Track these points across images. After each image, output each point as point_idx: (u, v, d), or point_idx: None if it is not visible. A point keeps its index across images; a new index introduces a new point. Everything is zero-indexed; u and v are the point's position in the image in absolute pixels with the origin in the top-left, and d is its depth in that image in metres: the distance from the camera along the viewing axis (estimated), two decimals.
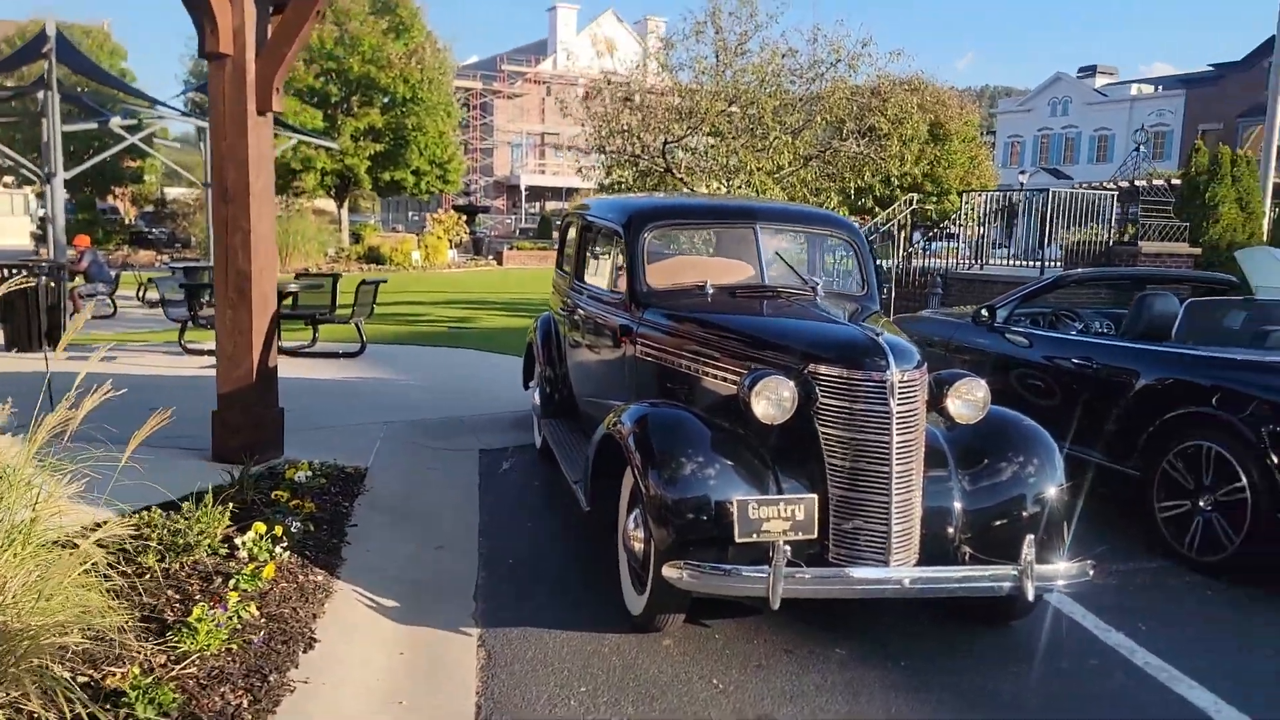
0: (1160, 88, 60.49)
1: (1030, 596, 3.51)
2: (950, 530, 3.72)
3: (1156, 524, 5.23)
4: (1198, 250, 13.83)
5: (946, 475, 3.79)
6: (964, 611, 4.10)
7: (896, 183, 13.75)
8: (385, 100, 25.11)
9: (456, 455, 6.41)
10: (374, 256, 26.62)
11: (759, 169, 10.60)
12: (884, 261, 14.47)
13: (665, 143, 11.17)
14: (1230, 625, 4.34)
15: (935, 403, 3.84)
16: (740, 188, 10.74)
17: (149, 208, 40.55)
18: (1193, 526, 5.02)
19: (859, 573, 3.49)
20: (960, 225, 14.19)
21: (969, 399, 3.85)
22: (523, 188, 59.68)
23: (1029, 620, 4.21)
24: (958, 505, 3.75)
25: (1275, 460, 4.63)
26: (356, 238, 28.55)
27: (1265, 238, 14.87)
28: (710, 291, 4.71)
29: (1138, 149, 13.06)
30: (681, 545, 3.49)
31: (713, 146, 10.68)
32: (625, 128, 11.72)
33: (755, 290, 4.77)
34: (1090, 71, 66.14)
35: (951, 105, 34.33)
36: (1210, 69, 55.09)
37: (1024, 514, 3.77)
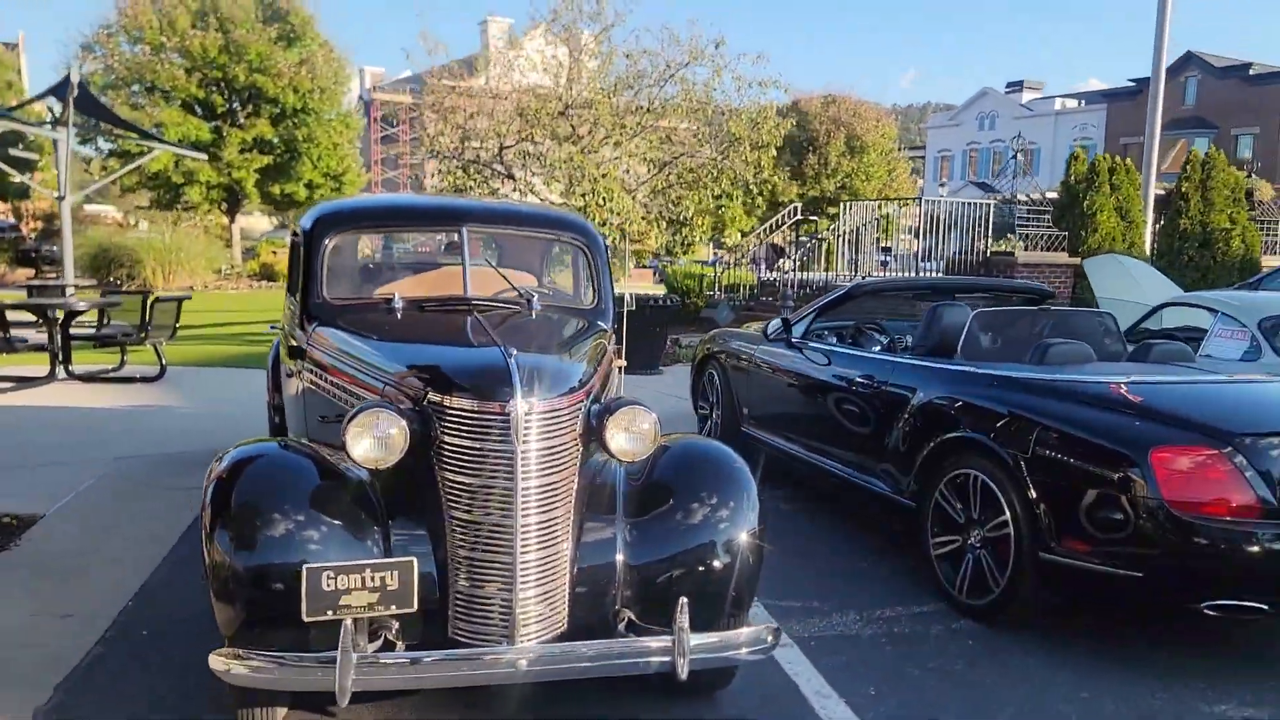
0: (1084, 102, 61.55)
1: (682, 675, 2.87)
2: (611, 593, 3.07)
3: (931, 562, 4.66)
4: (1076, 259, 13.51)
5: (611, 525, 3.15)
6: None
7: (787, 193, 13.31)
8: (276, 111, 24.15)
9: (184, 495, 5.65)
10: (268, 273, 25.62)
11: (604, 175, 10.01)
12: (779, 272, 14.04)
13: (501, 146, 10.55)
14: (980, 690, 3.75)
15: (597, 436, 3.20)
16: (583, 195, 10.15)
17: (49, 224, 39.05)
18: (963, 565, 4.46)
19: (455, 656, 2.82)
20: (837, 236, 13.75)
21: (633, 431, 3.20)
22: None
23: (738, 685, 3.58)
24: (620, 560, 3.11)
25: (1034, 493, 4.08)
26: (253, 253, 27.48)
27: (1147, 247, 14.63)
28: (399, 306, 4.04)
29: (1015, 157, 12.76)
30: (246, 627, 2.80)
31: (549, 152, 10.07)
32: (460, 127, 11.02)
33: (451, 304, 4.11)
34: (1018, 86, 67.03)
35: (868, 118, 34.24)
36: (1130, 83, 56.08)
37: (698, 569, 3.13)
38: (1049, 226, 13.80)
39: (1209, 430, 3.81)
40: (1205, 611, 3.68)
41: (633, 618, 3.02)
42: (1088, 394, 4.20)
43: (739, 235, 12.34)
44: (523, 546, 2.88)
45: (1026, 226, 14.15)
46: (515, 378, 2.87)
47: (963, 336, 5.05)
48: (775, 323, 5.93)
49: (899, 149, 37.39)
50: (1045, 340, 4.79)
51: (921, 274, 12.99)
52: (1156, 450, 3.75)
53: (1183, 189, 15.05)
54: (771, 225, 14.44)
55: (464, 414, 2.91)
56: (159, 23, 23.10)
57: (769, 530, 5.51)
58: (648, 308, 10.00)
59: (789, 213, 14.74)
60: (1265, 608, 3.66)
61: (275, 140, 24.75)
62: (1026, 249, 14.13)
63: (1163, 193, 16.50)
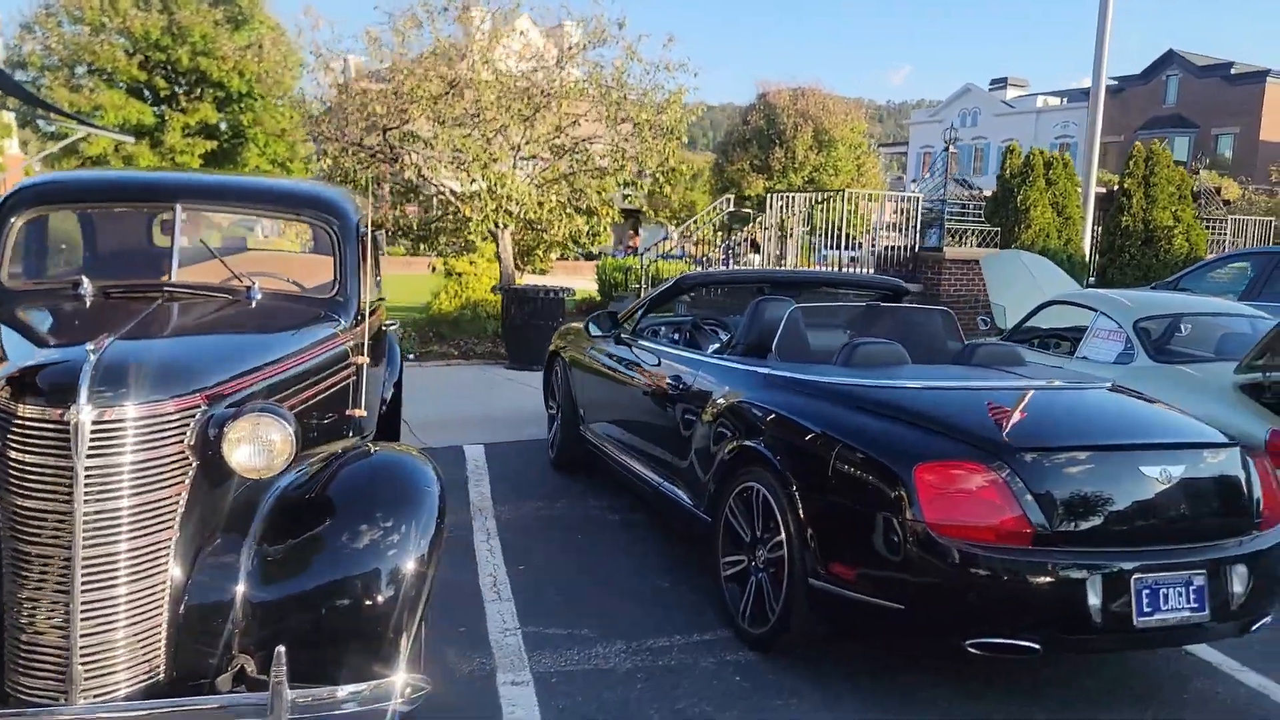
0: (1065, 100, 61.30)
1: None
2: (224, 635, 2.61)
3: (720, 583, 4.22)
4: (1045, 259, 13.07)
5: (235, 552, 2.68)
6: None
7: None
8: (221, 95, 23.56)
9: None
10: None
11: (494, 160, 9.52)
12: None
13: (385, 130, 10.05)
14: None
15: (215, 447, 2.73)
16: (473, 183, 9.67)
17: None
18: (747, 589, 4.01)
19: None
20: (764, 228, 13.29)
21: (257, 443, 2.73)
22: (434, 193, 58.17)
23: None
24: (240, 594, 2.64)
25: (804, 511, 3.63)
26: None
27: (1086, 244, 14.21)
28: (86, 293, 3.56)
29: (947, 148, 12.33)
30: None
31: (436, 136, 9.57)
32: (338, 106, 10.48)
33: (146, 291, 3.63)
34: (1002, 84, 66.69)
35: (836, 112, 33.77)
36: (1112, 82, 55.71)
37: (338, 605, 2.66)
38: (979, 221, 13.36)
39: (983, 443, 3.36)
40: (969, 650, 3.24)
41: (247, 665, 2.56)
42: (869, 400, 3.75)
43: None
44: (97, 581, 2.42)
45: (961, 222, 13.72)
46: (82, 380, 2.40)
47: (777, 335, 4.60)
48: (602, 317, 5.46)
49: (870, 143, 36.90)
50: (854, 340, 4.33)
51: (843, 269, 12.52)
52: (921, 466, 3.31)
53: (1125, 185, 14.65)
54: (701, 218, 14.00)
55: (25, 424, 2.44)
56: (100, 2, 22.49)
57: (584, 542, 5.13)
58: (536, 300, 9.54)
59: (722, 203, 14.29)
60: (1036, 647, 3.21)
61: (221, 125, 24.18)
62: (963, 245, 13.71)
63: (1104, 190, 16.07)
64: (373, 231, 5.55)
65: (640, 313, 5.59)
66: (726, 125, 42.69)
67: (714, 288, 5.84)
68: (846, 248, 13.75)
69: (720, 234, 14.38)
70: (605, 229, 10.93)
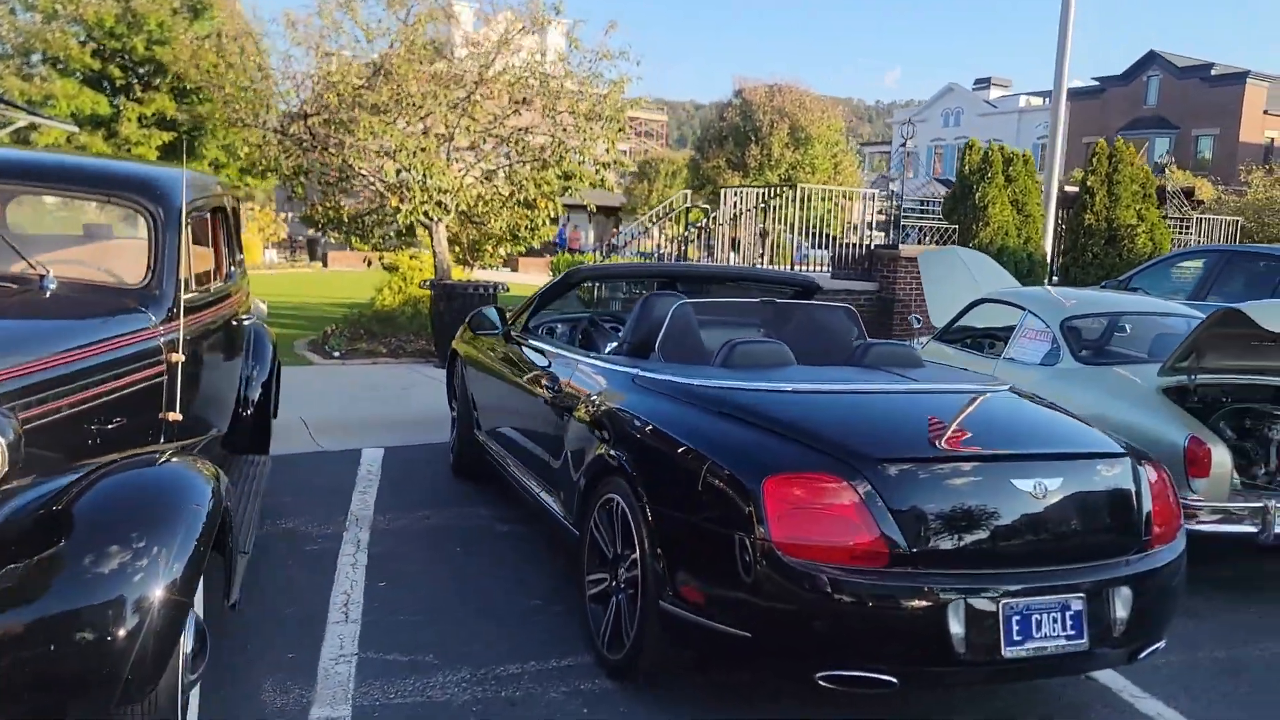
0: (1047, 100, 61.24)
1: None
2: None
3: (585, 603, 3.88)
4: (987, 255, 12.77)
5: None
6: None
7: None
8: (180, 85, 23.05)
9: None
10: None
11: (422, 149, 9.14)
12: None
13: (305, 116, 9.67)
14: None
15: None
16: (399, 173, 9.29)
17: None
18: (608, 610, 3.68)
19: None
20: (719, 224, 12.96)
21: None
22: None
23: None
24: None
25: (655, 526, 3.30)
26: None
27: (1047, 243, 13.94)
28: None
29: (903, 144, 12.02)
30: None
31: (355, 123, 9.18)
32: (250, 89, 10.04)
33: None
34: (985, 84, 66.70)
35: (813, 109, 33.49)
36: (1094, 82, 55.74)
37: (61, 642, 2.30)
38: (937, 219, 13.07)
39: (842, 454, 3.03)
40: (819, 683, 2.92)
41: None
42: (732, 405, 3.41)
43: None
44: None
45: (923, 219, 13.43)
46: None
47: (661, 332, 4.27)
48: (486, 313, 5.10)
49: (850, 141, 36.63)
50: (734, 340, 4.00)
51: (795, 266, 12.20)
52: (771, 478, 2.97)
53: (1088, 183, 14.39)
54: (656, 214, 13.66)
55: None
56: None
57: (462, 556, 4.78)
58: (466, 295, 9.18)
59: (679, 199, 13.97)
60: (892, 681, 2.89)
61: (178, 117, 23.66)
62: (924, 243, 13.41)
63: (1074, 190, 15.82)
64: (234, 211, 5.21)
65: (532, 308, 5.24)
66: (703, 122, 42.37)
67: (623, 281, 5.49)
68: (825, 246, 13.47)
69: (688, 230, 14.04)
70: (544, 223, 10.56)
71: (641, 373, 3.85)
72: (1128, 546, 3.20)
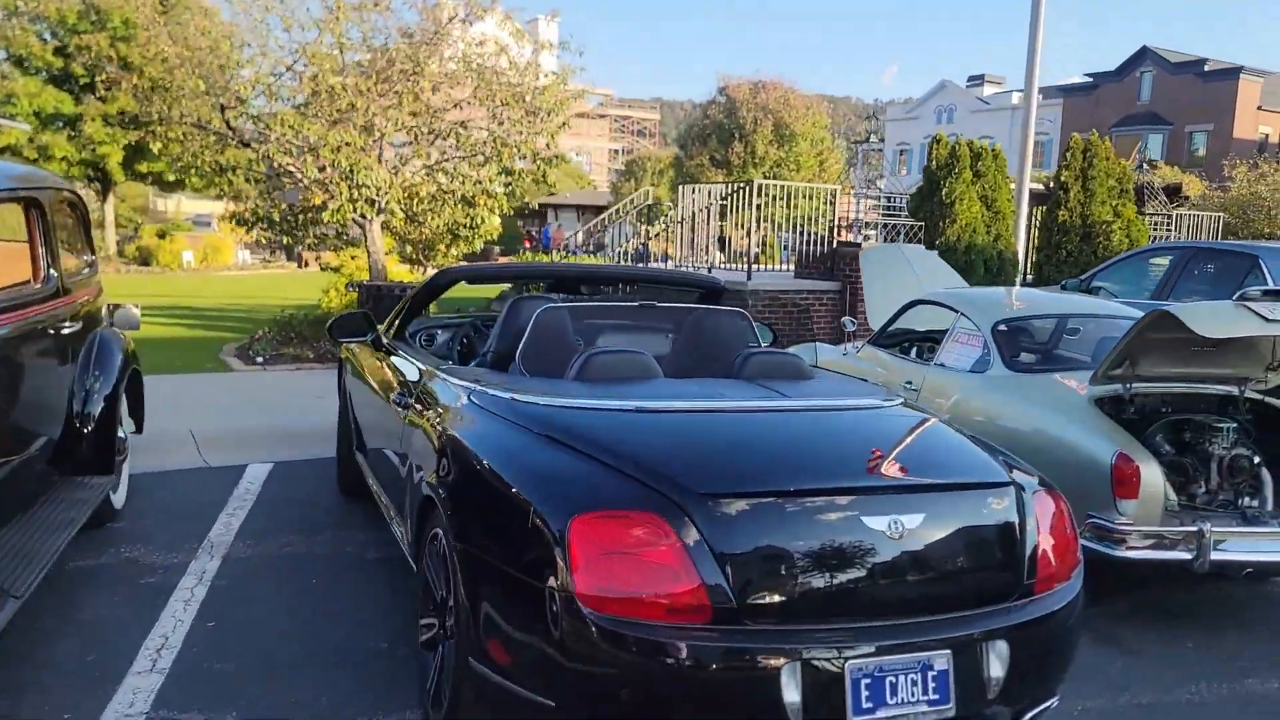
0: (1041, 96, 60.83)
1: None
2: None
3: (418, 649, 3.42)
4: (934, 253, 12.31)
5: None
6: None
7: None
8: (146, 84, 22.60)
9: None
10: (145, 257, 24.22)
11: (345, 144, 8.67)
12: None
13: (223, 108, 9.22)
14: None
15: None
16: (322, 170, 8.83)
17: None
18: (435, 660, 3.23)
19: None
20: (678, 222, 12.50)
21: None
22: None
23: None
24: None
25: (469, 573, 2.85)
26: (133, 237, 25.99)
27: (1020, 240, 13.48)
28: None
29: (867, 139, 11.60)
30: None
31: (275, 116, 8.73)
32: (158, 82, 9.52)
33: None
34: (979, 80, 66.26)
35: (797, 106, 33.04)
36: (1087, 78, 55.31)
37: None
38: (902, 216, 12.62)
39: (667, 486, 2.58)
40: None
41: None
42: (563, 428, 2.95)
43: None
44: None
45: (889, 217, 12.98)
46: None
47: (522, 341, 3.83)
48: (350, 318, 4.64)
49: (836, 139, 36.15)
50: (591, 350, 3.54)
51: (748, 265, 11.74)
52: (579, 518, 2.52)
53: (1063, 179, 13.92)
54: (617, 211, 13.19)
55: None
56: None
57: (318, 589, 4.32)
58: (393, 297, 8.72)
59: (641, 195, 13.51)
60: None
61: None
62: (887, 239, 12.97)
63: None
64: (72, 208, 4.77)
65: (403, 313, 4.78)
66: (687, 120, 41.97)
67: (507, 282, 5.01)
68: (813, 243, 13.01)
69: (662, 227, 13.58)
70: (484, 220, 10.09)
71: (477, 388, 3.40)
72: (1007, 592, 2.75)
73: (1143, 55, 52.77)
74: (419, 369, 4.02)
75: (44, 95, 21.75)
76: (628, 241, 14.43)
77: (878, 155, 64.46)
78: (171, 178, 23.10)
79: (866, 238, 12.51)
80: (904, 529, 2.59)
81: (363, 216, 9.39)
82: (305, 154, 8.82)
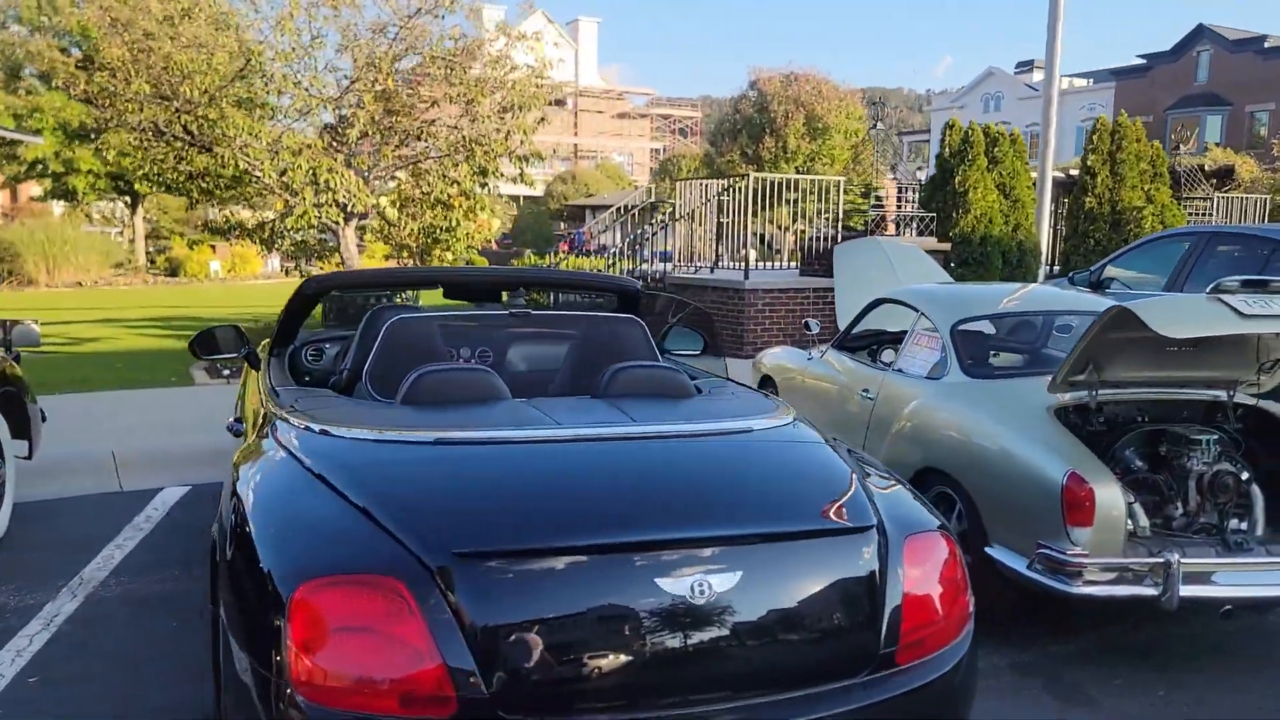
0: (1092, 81, 59.42)
1: None
2: None
3: None
4: (947, 245, 11.65)
5: None
6: None
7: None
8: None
9: None
10: (174, 268, 24.40)
11: (307, 146, 8.32)
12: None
13: (179, 111, 8.92)
14: None
15: None
16: (283, 174, 8.49)
17: None
18: None
19: None
20: (676, 219, 11.98)
21: None
22: None
23: None
24: None
25: (214, 640, 2.41)
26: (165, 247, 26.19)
27: (1043, 230, 12.73)
28: None
29: (874, 126, 10.98)
30: None
31: (225, 119, 8.41)
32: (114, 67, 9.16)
33: None
34: (1028, 66, 64.61)
35: (830, 98, 32.24)
36: (1140, 60, 53.52)
37: None
38: (910, 207, 11.96)
39: (414, 543, 2.10)
40: None
41: None
42: (339, 465, 2.48)
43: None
44: None
45: (900, 209, 12.32)
46: None
47: (369, 358, 3.38)
48: (216, 333, 4.22)
49: (873, 129, 35.27)
50: (425, 368, 3.07)
51: (745, 264, 11.16)
52: (305, 585, 2.06)
53: (1089, 163, 13.14)
54: (620, 209, 12.70)
55: None
56: (38, 2, 21.78)
57: (175, 633, 3.92)
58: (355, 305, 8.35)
59: (643, 194, 13.02)
60: None
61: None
62: (900, 234, 12.31)
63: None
64: None
65: (278, 328, 4.36)
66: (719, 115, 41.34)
67: (383, 289, 4.55)
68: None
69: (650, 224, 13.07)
70: (459, 224, 9.67)
71: (279, 415, 2.95)
72: (858, 664, 2.22)
73: (1199, 33, 50.94)
74: (259, 392, 3.60)
75: (69, 108, 21.91)
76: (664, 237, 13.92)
77: (893, 144, 62.92)
78: (142, 189, 23.02)
79: (877, 229, 11.86)
80: (712, 591, 2.08)
81: (335, 223, 9.05)
82: (263, 157, 8.48)
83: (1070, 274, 8.80)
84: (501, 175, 9.53)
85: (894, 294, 5.43)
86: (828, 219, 11.59)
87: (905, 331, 5.74)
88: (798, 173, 30.84)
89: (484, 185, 9.51)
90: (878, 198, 14.43)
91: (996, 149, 12.07)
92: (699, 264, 12.16)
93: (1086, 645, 3.97)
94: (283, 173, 8.53)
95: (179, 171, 9.44)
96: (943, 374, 4.66)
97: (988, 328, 5.09)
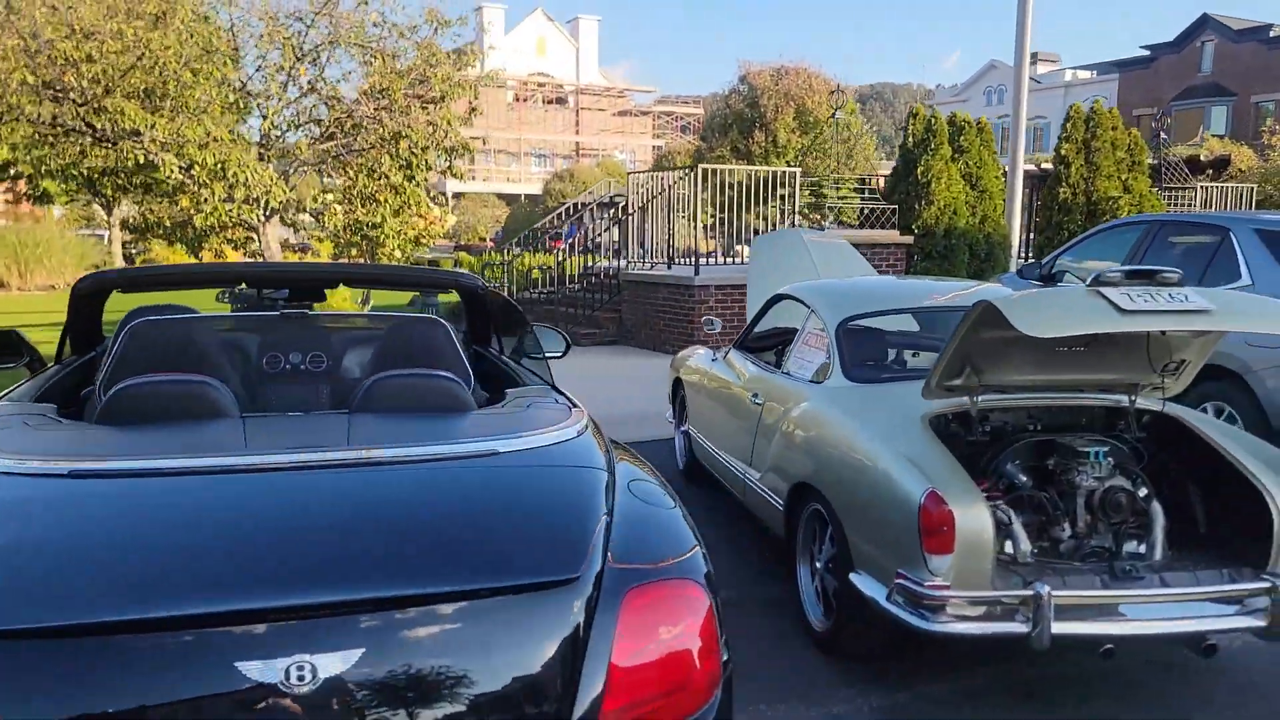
0: (1096, 73, 58.88)
1: None
2: None
3: None
4: (909, 238, 11.16)
5: None
6: None
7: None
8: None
9: None
10: None
11: (213, 140, 7.91)
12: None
13: (77, 104, 8.51)
14: None
15: None
16: (188, 168, 8.07)
17: None
18: None
19: None
20: (629, 214, 11.50)
21: None
22: (450, 194, 57.57)
23: None
24: None
25: None
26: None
27: (1014, 222, 12.23)
28: None
29: (835, 113, 10.54)
30: None
31: (120, 110, 8.01)
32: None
33: None
34: (1032, 59, 63.99)
35: (820, 91, 31.65)
36: (1144, 51, 52.84)
37: None
38: (867, 198, 11.48)
39: None
40: None
41: None
42: None
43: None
44: None
45: (861, 201, 11.85)
46: None
47: (106, 369, 2.94)
48: None
49: (863, 124, 34.71)
50: (129, 382, 2.61)
51: (695, 260, 10.69)
52: None
53: (1062, 152, 12.63)
54: (573, 206, 12.24)
55: None
56: None
57: None
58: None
59: (601, 185, 12.58)
60: None
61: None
62: (862, 227, 11.83)
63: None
64: None
65: (65, 334, 3.91)
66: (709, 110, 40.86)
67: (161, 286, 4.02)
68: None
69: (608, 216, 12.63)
70: (384, 218, 9.23)
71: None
72: None
73: (1203, 24, 50.30)
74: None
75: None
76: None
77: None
78: (49, 187, 22.51)
79: (833, 224, 11.39)
80: (315, 677, 1.62)
81: (256, 220, 8.63)
82: (164, 152, 8.07)
83: (1019, 267, 8.32)
84: (430, 169, 9.10)
85: (791, 289, 4.96)
86: (787, 211, 11.12)
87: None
88: (788, 166, 30.25)
89: (411, 179, 9.07)
90: (872, 191, 13.99)
91: (963, 138, 11.57)
92: (655, 260, 11.71)
93: (967, 685, 3.51)
94: (189, 167, 8.12)
95: (88, 168, 9.05)
96: (826, 377, 4.20)
97: (897, 325, 4.61)
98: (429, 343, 3.15)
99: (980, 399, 3.58)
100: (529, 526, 2.04)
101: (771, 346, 5.47)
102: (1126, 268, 3.13)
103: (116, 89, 8.05)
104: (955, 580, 3.11)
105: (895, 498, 3.24)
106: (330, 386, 3.14)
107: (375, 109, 8.71)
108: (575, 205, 12.88)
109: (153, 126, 7.90)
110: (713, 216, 10.93)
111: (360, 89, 8.75)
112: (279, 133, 8.82)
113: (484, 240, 44.90)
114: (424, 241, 10.72)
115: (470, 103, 9.29)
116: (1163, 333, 3.42)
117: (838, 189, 11.92)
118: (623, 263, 11.51)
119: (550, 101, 68.10)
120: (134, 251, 28.19)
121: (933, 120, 11.34)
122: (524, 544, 1.96)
